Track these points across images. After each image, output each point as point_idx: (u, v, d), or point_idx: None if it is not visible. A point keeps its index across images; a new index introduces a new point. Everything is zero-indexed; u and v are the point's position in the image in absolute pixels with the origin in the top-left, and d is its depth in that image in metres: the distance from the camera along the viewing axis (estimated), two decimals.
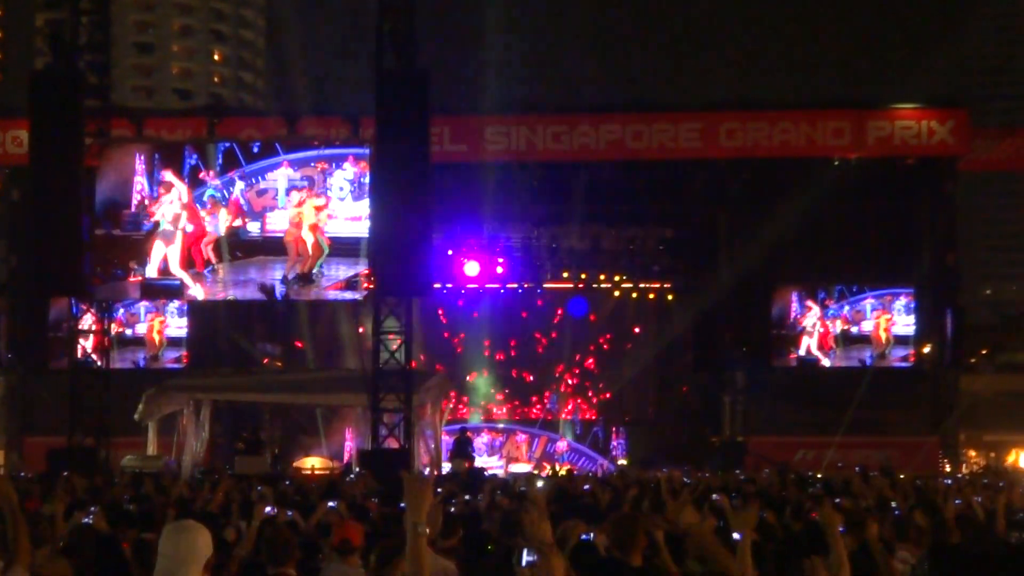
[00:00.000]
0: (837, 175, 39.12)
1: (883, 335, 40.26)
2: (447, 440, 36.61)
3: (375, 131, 30.83)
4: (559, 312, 43.95)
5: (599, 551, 9.18)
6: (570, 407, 43.96)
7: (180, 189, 32.52)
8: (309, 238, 32.23)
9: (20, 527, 6.91)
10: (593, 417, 44.04)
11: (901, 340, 40.52)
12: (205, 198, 32.61)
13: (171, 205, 32.50)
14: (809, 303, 40.52)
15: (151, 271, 32.49)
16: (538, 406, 44.04)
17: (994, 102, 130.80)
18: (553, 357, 44.18)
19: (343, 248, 32.20)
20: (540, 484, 24.53)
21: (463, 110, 40.33)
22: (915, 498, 16.62)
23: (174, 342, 41.83)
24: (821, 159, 39.67)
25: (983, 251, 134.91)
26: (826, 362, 40.60)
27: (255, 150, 32.78)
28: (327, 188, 32.23)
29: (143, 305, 40.28)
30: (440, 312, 42.47)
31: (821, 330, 40.47)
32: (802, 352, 40.53)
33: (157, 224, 32.48)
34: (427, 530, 6.02)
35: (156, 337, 41.53)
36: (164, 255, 32.48)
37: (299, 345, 42.66)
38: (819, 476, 28.35)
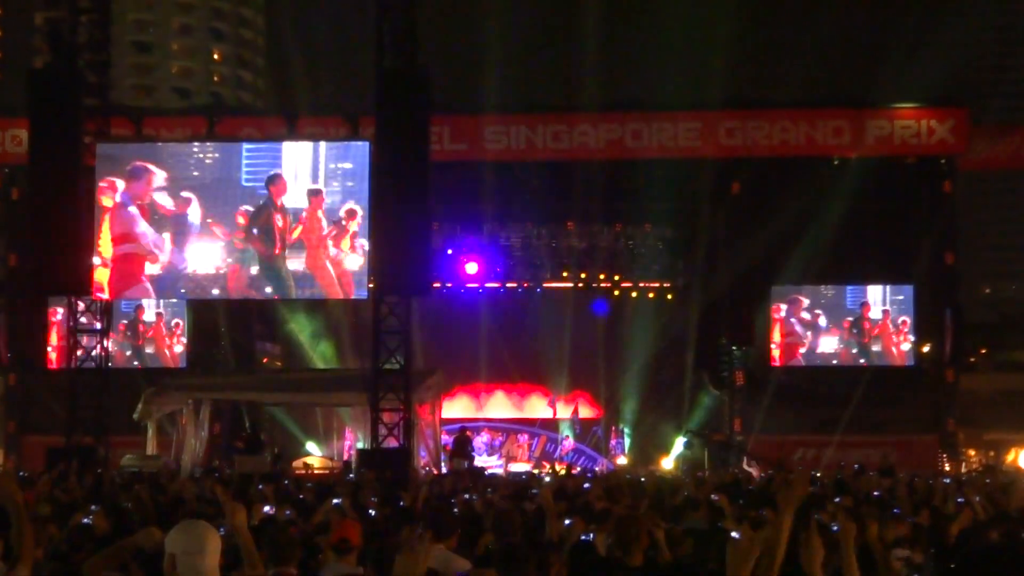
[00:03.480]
0: (836, 174, 39.19)
1: (892, 339, 40.25)
2: (446, 439, 36.61)
3: (375, 130, 30.81)
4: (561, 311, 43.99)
5: (598, 550, 9.19)
6: (570, 406, 43.94)
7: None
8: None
9: (25, 527, 6.89)
10: (593, 417, 44.03)
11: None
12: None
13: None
14: (809, 302, 40.55)
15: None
16: (537, 406, 44.06)
17: (993, 101, 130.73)
18: (552, 356, 44.16)
19: None
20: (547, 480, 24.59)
21: (463, 109, 40.29)
22: (919, 497, 16.64)
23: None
24: (820, 158, 39.73)
25: (982, 250, 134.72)
26: (829, 361, 40.60)
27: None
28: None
29: (146, 302, 40.11)
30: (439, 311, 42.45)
31: (824, 329, 40.51)
32: (810, 351, 40.52)
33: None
34: None
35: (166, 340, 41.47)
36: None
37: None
38: (818, 475, 28.34)
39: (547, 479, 25.83)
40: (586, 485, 20.79)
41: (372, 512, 14.43)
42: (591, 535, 10.42)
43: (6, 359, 41.56)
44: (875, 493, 18.57)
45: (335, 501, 14.11)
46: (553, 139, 39.54)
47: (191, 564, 6.08)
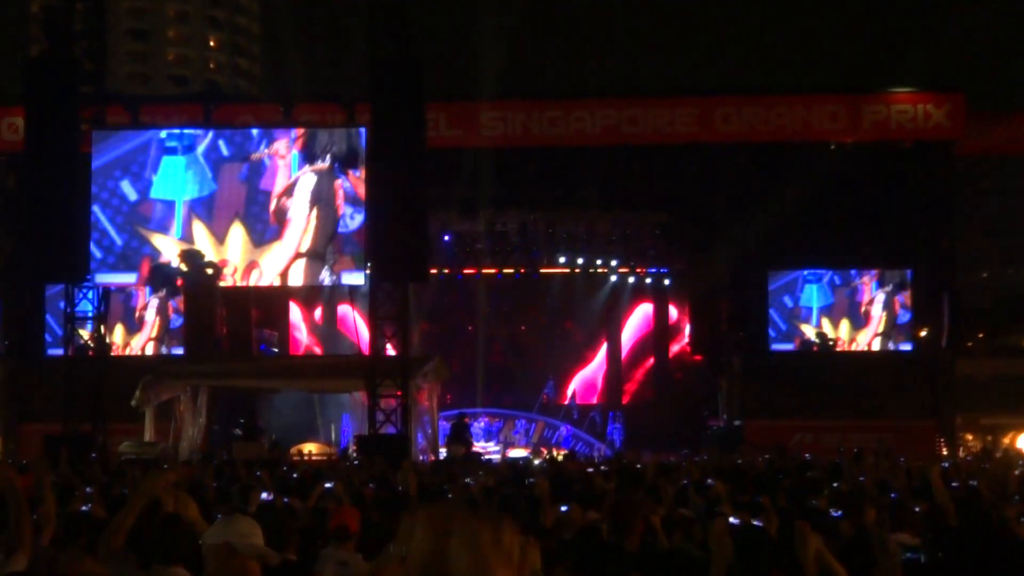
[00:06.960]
0: (833, 159, 39.13)
1: (881, 323, 40.27)
2: (444, 425, 36.64)
3: (371, 118, 30.79)
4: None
5: (602, 537, 9.19)
6: (567, 391, 43.98)
7: None
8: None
9: (23, 514, 6.90)
10: (590, 402, 44.06)
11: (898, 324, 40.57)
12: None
13: None
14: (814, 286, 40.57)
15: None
16: (535, 391, 44.08)
17: (990, 86, 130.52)
18: (549, 341, 44.22)
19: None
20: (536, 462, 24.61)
21: (458, 96, 40.22)
22: (916, 482, 16.63)
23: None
24: (817, 143, 39.66)
25: (979, 235, 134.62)
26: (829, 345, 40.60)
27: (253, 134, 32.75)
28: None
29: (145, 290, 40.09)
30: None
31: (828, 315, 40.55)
32: (811, 336, 40.50)
33: None
34: None
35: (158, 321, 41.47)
36: None
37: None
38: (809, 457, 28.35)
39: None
40: (590, 469, 20.84)
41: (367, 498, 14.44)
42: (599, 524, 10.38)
43: (3, 347, 41.52)
44: (860, 479, 18.53)
45: (327, 485, 14.13)
46: (550, 125, 39.47)
47: (250, 545, 6.20)
